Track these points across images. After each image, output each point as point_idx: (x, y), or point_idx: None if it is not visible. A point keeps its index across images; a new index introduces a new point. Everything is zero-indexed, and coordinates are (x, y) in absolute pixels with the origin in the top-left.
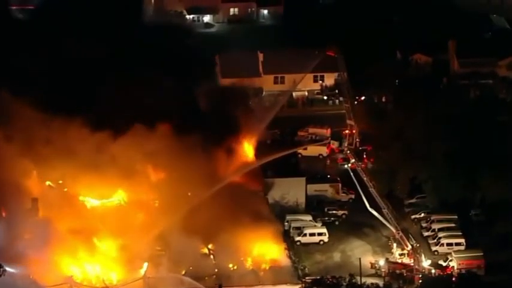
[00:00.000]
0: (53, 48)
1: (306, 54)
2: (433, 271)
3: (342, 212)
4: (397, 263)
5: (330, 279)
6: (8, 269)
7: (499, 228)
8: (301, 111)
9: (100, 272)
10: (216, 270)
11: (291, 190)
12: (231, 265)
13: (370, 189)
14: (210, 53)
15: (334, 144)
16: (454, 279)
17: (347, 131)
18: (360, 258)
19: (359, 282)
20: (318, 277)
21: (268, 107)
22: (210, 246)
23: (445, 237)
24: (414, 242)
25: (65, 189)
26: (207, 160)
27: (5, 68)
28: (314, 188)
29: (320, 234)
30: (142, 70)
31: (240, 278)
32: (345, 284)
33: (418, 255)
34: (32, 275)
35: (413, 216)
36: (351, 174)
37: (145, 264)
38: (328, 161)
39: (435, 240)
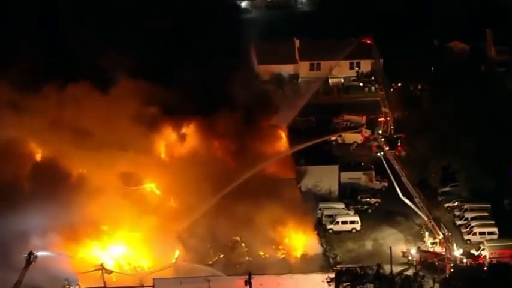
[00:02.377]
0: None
1: (343, 41)
2: (464, 260)
3: (375, 200)
4: (428, 251)
5: (358, 269)
6: (39, 254)
7: None
8: (337, 98)
9: (131, 258)
10: (247, 258)
11: (324, 178)
12: (262, 253)
13: (402, 178)
14: (247, 39)
15: (366, 133)
16: (485, 268)
17: (382, 119)
18: (390, 247)
19: (389, 271)
20: (344, 267)
21: (303, 94)
22: (241, 234)
23: (477, 226)
24: (446, 230)
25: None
26: (240, 147)
27: None
28: (347, 176)
29: (352, 222)
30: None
31: (271, 266)
32: (372, 273)
33: (449, 244)
34: (65, 261)
35: (446, 205)
36: (384, 162)
37: (177, 252)
38: (353, 148)
39: (468, 229)
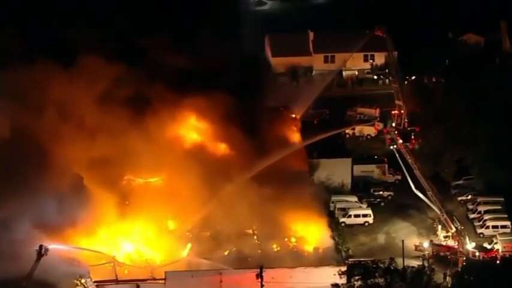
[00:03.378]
0: None
1: (357, 33)
2: (477, 254)
3: (388, 193)
4: (441, 245)
5: (370, 262)
6: (51, 247)
7: None
8: (351, 91)
9: (143, 252)
10: (259, 251)
11: (337, 171)
12: (274, 246)
13: (414, 171)
14: (262, 31)
15: (379, 126)
16: (498, 262)
17: (395, 112)
18: (403, 241)
19: (401, 265)
20: (356, 261)
21: (316, 86)
22: (253, 226)
23: (490, 219)
24: (458, 224)
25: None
26: (252, 139)
27: None
28: (360, 169)
29: (365, 215)
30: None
31: (283, 259)
32: (383, 266)
33: (462, 238)
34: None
35: (459, 198)
36: (397, 155)
37: (189, 245)
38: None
39: (481, 223)
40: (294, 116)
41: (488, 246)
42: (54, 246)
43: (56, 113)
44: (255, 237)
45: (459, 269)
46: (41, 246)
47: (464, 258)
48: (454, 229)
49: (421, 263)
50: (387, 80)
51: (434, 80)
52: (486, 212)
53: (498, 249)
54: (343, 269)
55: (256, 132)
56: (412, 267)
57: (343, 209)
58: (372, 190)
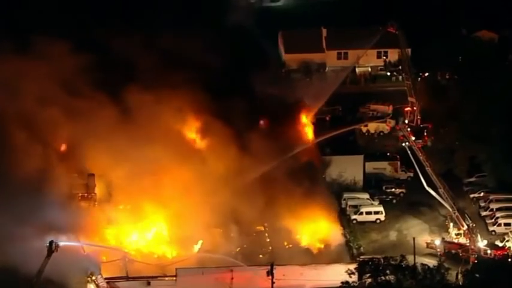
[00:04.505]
0: None
1: (370, 30)
2: (488, 251)
3: (400, 190)
4: (453, 242)
5: (381, 260)
6: (62, 244)
7: None
8: (364, 88)
9: (154, 248)
10: (271, 248)
11: (349, 168)
12: (285, 243)
13: (426, 168)
14: (275, 27)
15: (391, 123)
16: (510, 260)
17: (408, 108)
18: (414, 238)
19: (413, 262)
20: (367, 258)
21: (329, 83)
22: (265, 223)
23: (502, 217)
24: (470, 221)
25: None
26: (264, 136)
27: None
28: (373, 166)
29: (376, 212)
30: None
31: (294, 256)
32: (394, 264)
33: (473, 235)
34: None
35: (472, 195)
36: (409, 152)
37: (200, 242)
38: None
39: (493, 220)
40: (306, 112)
41: (500, 244)
42: (64, 243)
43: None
44: (267, 234)
45: (469, 268)
46: (51, 242)
47: (476, 256)
48: (465, 226)
49: (432, 261)
50: (400, 77)
51: (447, 76)
52: (498, 209)
53: (510, 247)
54: (354, 266)
55: (268, 129)
56: (423, 264)
57: (355, 206)
58: (383, 187)
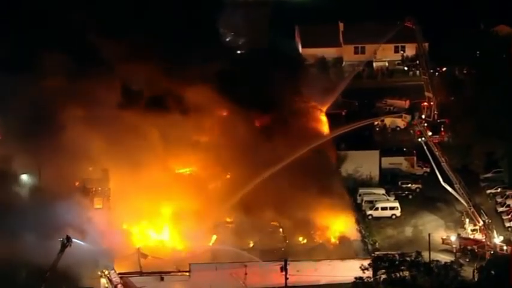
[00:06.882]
0: None
1: (388, 24)
2: (504, 248)
3: (416, 185)
4: (468, 238)
5: (397, 255)
6: (76, 240)
7: None
8: (381, 82)
9: (168, 242)
10: (286, 243)
11: (365, 163)
12: (300, 238)
13: (442, 164)
14: (292, 21)
15: (406, 118)
16: None
17: (425, 103)
18: (429, 234)
19: (428, 258)
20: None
21: (345, 77)
22: (280, 219)
23: None
24: (486, 217)
25: None
26: (280, 131)
27: None
28: (389, 161)
29: (392, 208)
30: None
31: (309, 251)
32: (409, 260)
33: (489, 231)
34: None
35: (488, 191)
36: (425, 147)
37: (214, 237)
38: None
39: (509, 216)
40: (322, 107)
41: None
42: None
43: None
44: (281, 229)
45: (483, 264)
46: (68, 238)
47: (492, 252)
48: (481, 222)
49: (447, 257)
50: (418, 72)
51: (465, 71)
52: None
53: None
54: (369, 262)
55: (284, 123)
56: (437, 261)
57: (371, 202)
58: (399, 183)
